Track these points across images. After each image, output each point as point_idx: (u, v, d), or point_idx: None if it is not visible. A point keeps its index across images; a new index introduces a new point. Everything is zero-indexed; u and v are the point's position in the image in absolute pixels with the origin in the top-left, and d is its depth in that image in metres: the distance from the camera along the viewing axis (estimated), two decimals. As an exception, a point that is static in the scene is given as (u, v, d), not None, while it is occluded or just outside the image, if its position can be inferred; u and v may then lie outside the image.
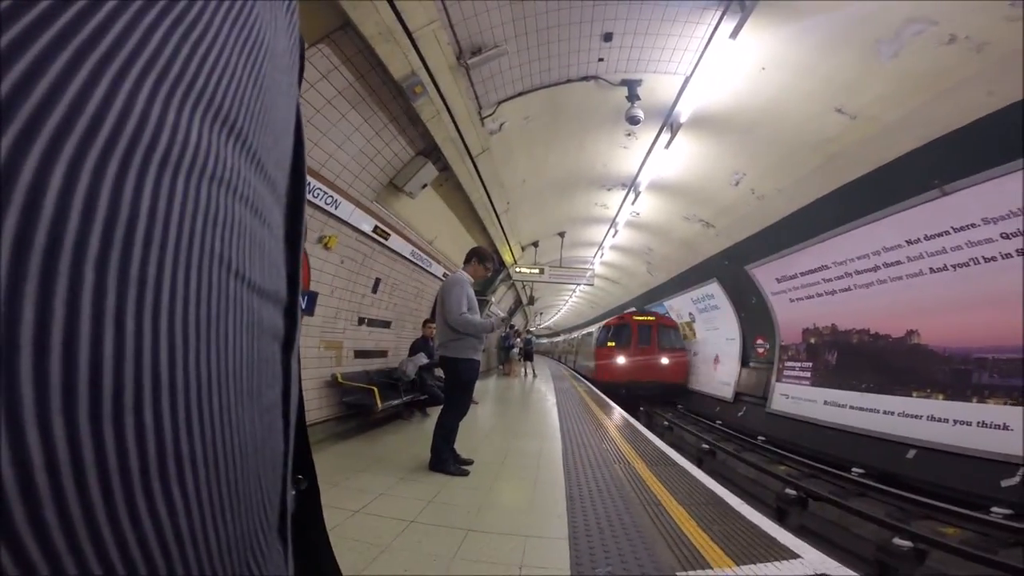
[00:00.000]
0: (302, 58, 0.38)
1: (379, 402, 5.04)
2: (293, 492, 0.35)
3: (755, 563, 2.22)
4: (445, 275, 8.55)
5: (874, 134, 5.98)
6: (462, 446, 3.98)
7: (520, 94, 6.43)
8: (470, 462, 3.84)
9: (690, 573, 2.10)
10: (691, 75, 5.95)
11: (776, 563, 2.22)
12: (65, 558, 0.14)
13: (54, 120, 0.14)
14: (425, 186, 6.49)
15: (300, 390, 0.37)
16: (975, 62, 4.50)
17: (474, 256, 3.90)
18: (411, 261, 7.42)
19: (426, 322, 7.16)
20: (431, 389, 6.26)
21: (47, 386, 0.14)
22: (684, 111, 6.68)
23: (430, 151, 6.14)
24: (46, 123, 0.14)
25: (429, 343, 6.64)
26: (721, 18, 4.95)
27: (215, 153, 0.19)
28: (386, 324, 7.12)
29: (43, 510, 0.14)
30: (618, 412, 7.82)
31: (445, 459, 3.70)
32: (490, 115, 6.49)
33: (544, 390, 10.92)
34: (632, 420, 7.00)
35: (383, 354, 7.02)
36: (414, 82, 4.53)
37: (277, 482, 0.28)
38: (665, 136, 7.63)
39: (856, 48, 5.06)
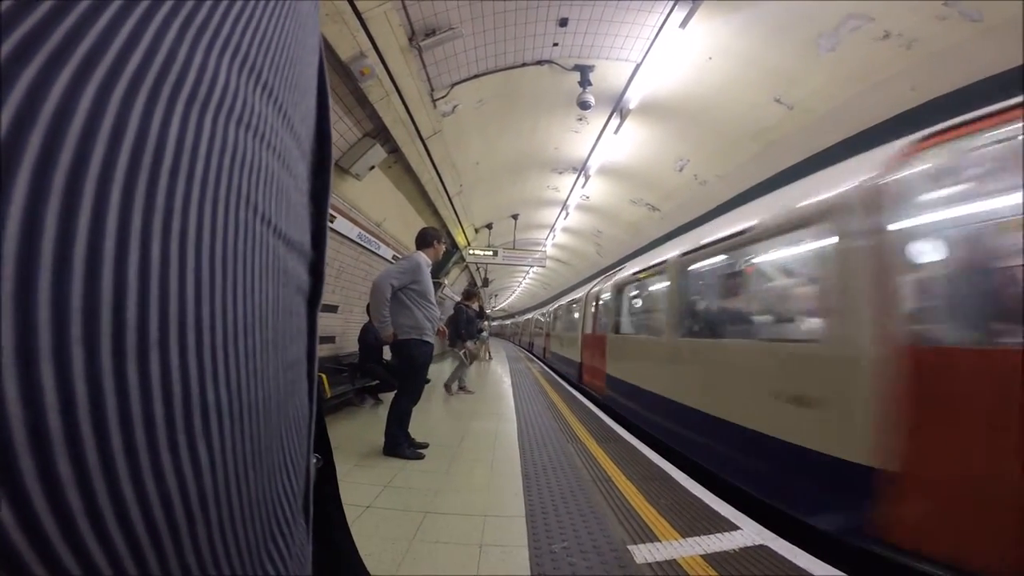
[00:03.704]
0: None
1: (328, 389, 4.93)
2: (315, 461, 0.33)
3: (699, 535, 2.36)
4: (395, 258, 8.38)
5: (809, 124, 6.31)
6: (418, 430, 3.98)
7: (474, 76, 6.34)
8: (425, 445, 3.84)
9: (640, 546, 2.21)
10: (641, 62, 6.06)
11: (718, 535, 2.36)
12: (79, 519, 0.13)
13: (83, 49, 0.14)
14: (373, 168, 6.32)
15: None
16: (903, 58, 4.79)
17: (433, 238, 3.80)
18: (358, 244, 7.22)
19: None
20: (382, 374, 6.17)
21: (67, 307, 0.13)
22: (633, 97, 6.82)
23: (378, 132, 5.96)
24: (75, 52, 0.14)
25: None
26: (673, 7, 5.05)
27: (242, 97, 0.19)
28: (332, 309, 6.93)
29: (56, 463, 0.13)
30: (569, 391, 8.03)
31: (399, 443, 3.68)
32: (443, 97, 6.37)
33: (500, 372, 11.02)
34: (582, 398, 7.22)
35: (330, 340, 6.84)
36: (362, 63, 4.37)
37: (302, 447, 0.26)
38: (615, 121, 7.76)
39: (798, 41, 5.29)
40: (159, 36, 0.16)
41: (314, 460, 0.38)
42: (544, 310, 18.10)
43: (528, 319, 25.02)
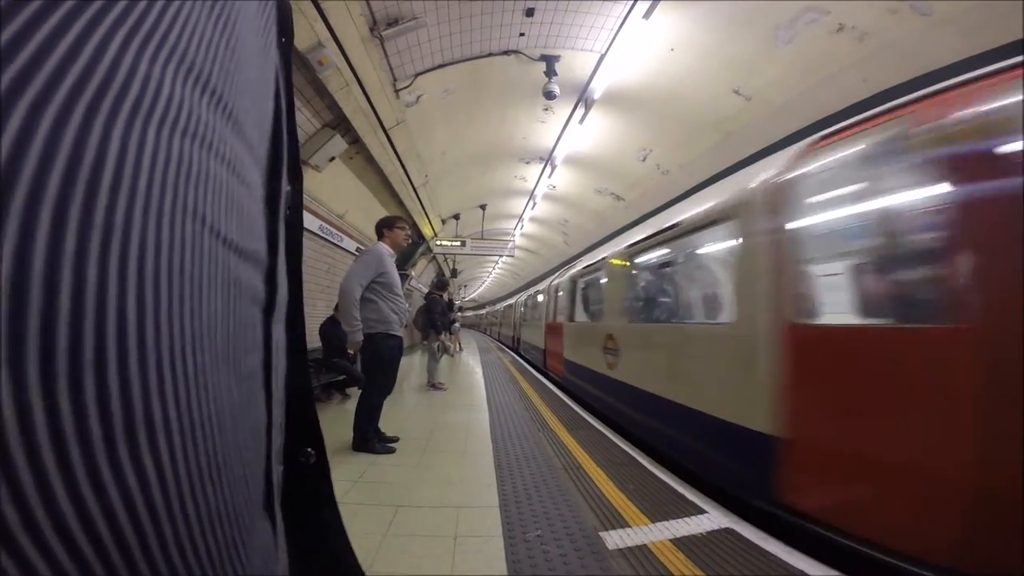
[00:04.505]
0: (289, 20, 0.36)
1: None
2: (281, 467, 0.33)
3: (668, 519, 2.43)
4: (358, 249, 8.22)
5: (766, 115, 6.48)
6: (388, 424, 3.94)
7: (439, 66, 6.26)
8: (395, 439, 3.81)
9: (611, 532, 2.27)
10: (606, 53, 6.10)
11: (686, 519, 2.44)
12: (20, 536, 0.13)
13: (17, 65, 0.14)
14: (333, 159, 6.19)
15: (306, 360, 0.36)
16: (856, 51, 4.95)
17: (384, 225, 3.63)
18: (320, 236, 7.07)
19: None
20: (349, 369, 6.04)
21: None
22: (598, 88, 6.88)
23: (338, 123, 5.82)
24: (8, 67, 0.13)
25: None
26: (636, -2, 5.09)
27: (188, 108, 0.19)
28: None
29: None
30: (538, 378, 8.11)
31: (368, 438, 3.63)
32: (406, 87, 6.27)
33: (472, 363, 11.02)
34: (550, 385, 7.31)
35: (296, 335, 6.68)
36: (320, 53, 4.25)
37: (260, 455, 0.27)
38: (580, 111, 7.81)
39: (757, 33, 5.41)
40: (102, 47, 0.15)
41: (309, 451, 0.39)
42: (538, 288, 11.92)
43: (510, 305, 20.72)
